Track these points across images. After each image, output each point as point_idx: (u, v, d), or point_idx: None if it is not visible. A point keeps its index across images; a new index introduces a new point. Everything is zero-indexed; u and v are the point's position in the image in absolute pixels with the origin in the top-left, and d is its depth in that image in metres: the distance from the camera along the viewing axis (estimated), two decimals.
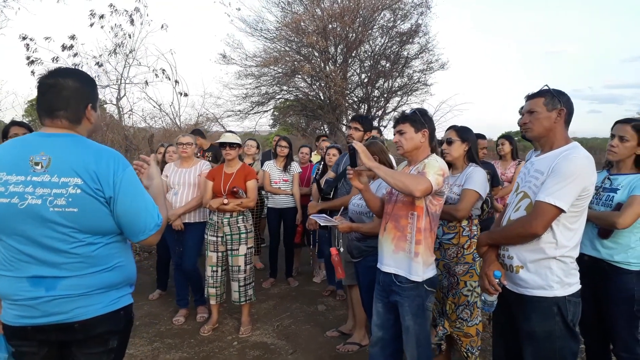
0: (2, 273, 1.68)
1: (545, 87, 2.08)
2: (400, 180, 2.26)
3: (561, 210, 1.89)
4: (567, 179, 1.89)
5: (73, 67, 1.96)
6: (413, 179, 2.28)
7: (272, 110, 17.27)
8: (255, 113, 16.21)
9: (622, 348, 2.56)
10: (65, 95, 1.70)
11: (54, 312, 1.66)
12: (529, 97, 2.11)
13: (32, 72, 8.47)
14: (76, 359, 1.76)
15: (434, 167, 2.36)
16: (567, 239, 1.97)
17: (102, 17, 9.19)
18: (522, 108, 2.25)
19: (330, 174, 4.12)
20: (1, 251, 1.68)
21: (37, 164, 1.63)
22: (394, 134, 2.58)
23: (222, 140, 3.99)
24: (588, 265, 2.66)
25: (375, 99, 15.56)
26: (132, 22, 9.43)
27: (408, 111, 2.58)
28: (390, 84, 15.39)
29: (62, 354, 1.77)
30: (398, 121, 2.57)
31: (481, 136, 4.49)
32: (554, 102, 2.03)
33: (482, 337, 3.10)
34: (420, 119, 2.50)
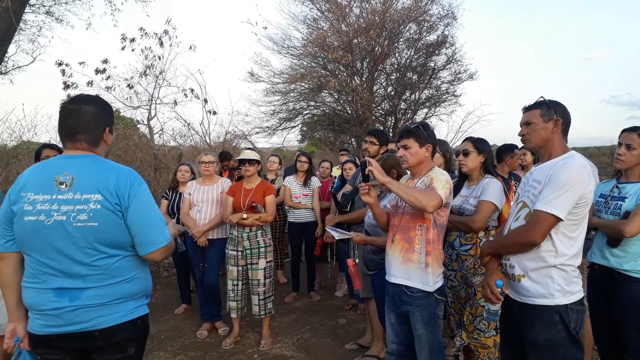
0: (29, 285, 1.82)
1: (541, 99, 2.11)
2: (413, 196, 2.32)
3: (558, 219, 1.91)
4: (563, 188, 1.91)
5: (93, 95, 2.14)
6: (425, 195, 2.33)
7: (299, 125, 17.46)
8: (283, 129, 16.46)
9: (635, 357, 2.51)
10: (85, 119, 1.84)
11: (76, 321, 1.78)
12: (526, 109, 2.14)
13: (68, 96, 8.90)
14: None
15: (441, 181, 2.42)
16: (566, 247, 1.97)
17: (132, 40, 9.55)
18: None
19: (347, 187, 4.19)
20: (29, 264, 1.82)
21: (61, 183, 1.77)
22: (398, 149, 2.64)
23: (241, 157, 4.13)
24: (599, 274, 2.64)
25: (402, 111, 15.51)
26: (161, 44, 9.77)
27: (412, 125, 2.63)
28: (417, 96, 15.31)
29: None
30: (402, 135, 2.61)
31: (514, 147, 4.43)
32: (550, 113, 2.06)
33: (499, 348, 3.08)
34: (424, 134, 2.55)
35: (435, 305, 2.50)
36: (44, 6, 8.22)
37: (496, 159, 4.39)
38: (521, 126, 2.15)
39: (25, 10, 6.27)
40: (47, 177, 1.79)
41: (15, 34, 7.47)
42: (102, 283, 1.80)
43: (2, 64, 7.99)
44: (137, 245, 1.87)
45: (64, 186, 1.77)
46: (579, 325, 1.99)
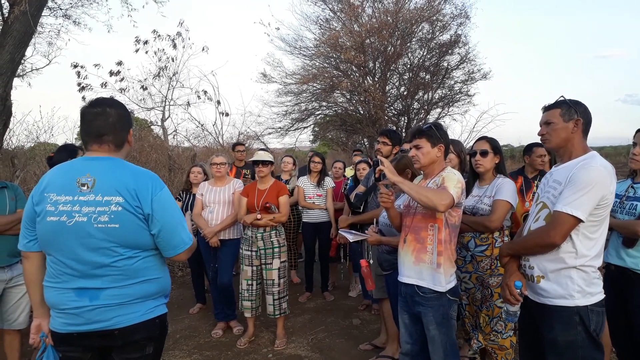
0: (51, 285, 1.85)
1: (561, 98, 2.08)
2: (425, 195, 2.31)
3: (579, 220, 1.89)
4: (584, 189, 1.89)
5: (111, 97, 2.22)
6: (437, 194, 2.32)
7: (312, 126, 17.46)
8: (295, 129, 16.47)
9: None
10: (112, 121, 1.88)
11: (96, 320, 1.81)
12: (546, 109, 2.12)
13: (83, 98, 9.04)
14: None
15: (453, 180, 2.40)
16: (587, 248, 1.95)
17: (146, 42, 9.68)
18: None
19: (360, 188, 4.18)
20: (50, 264, 1.86)
21: (83, 184, 1.80)
22: (410, 148, 2.63)
23: (254, 158, 4.15)
24: (615, 274, 2.62)
25: (415, 111, 15.45)
26: (174, 46, 9.89)
27: (424, 125, 2.62)
28: (430, 96, 15.24)
29: (103, 358, 1.92)
30: (414, 135, 2.60)
31: (534, 145, 4.38)
32: (571, 113, 2.03)
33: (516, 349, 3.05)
34: (437, 134, 2.53)
35: (448, 305, 2.48)
36: (61, 9, 8.31)
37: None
38: (541, 126, 2.13)
39: (43, 14, 6.34)
40: (69, 178, 1.82)
41: (33, 37, 7.57)
42: (121, 283, 1.83)
43: (20, 67, 8.09)
44: (162, 249, 1.92)
45: (85, 187, 1.79)
46: (599, 327, 1.97)
